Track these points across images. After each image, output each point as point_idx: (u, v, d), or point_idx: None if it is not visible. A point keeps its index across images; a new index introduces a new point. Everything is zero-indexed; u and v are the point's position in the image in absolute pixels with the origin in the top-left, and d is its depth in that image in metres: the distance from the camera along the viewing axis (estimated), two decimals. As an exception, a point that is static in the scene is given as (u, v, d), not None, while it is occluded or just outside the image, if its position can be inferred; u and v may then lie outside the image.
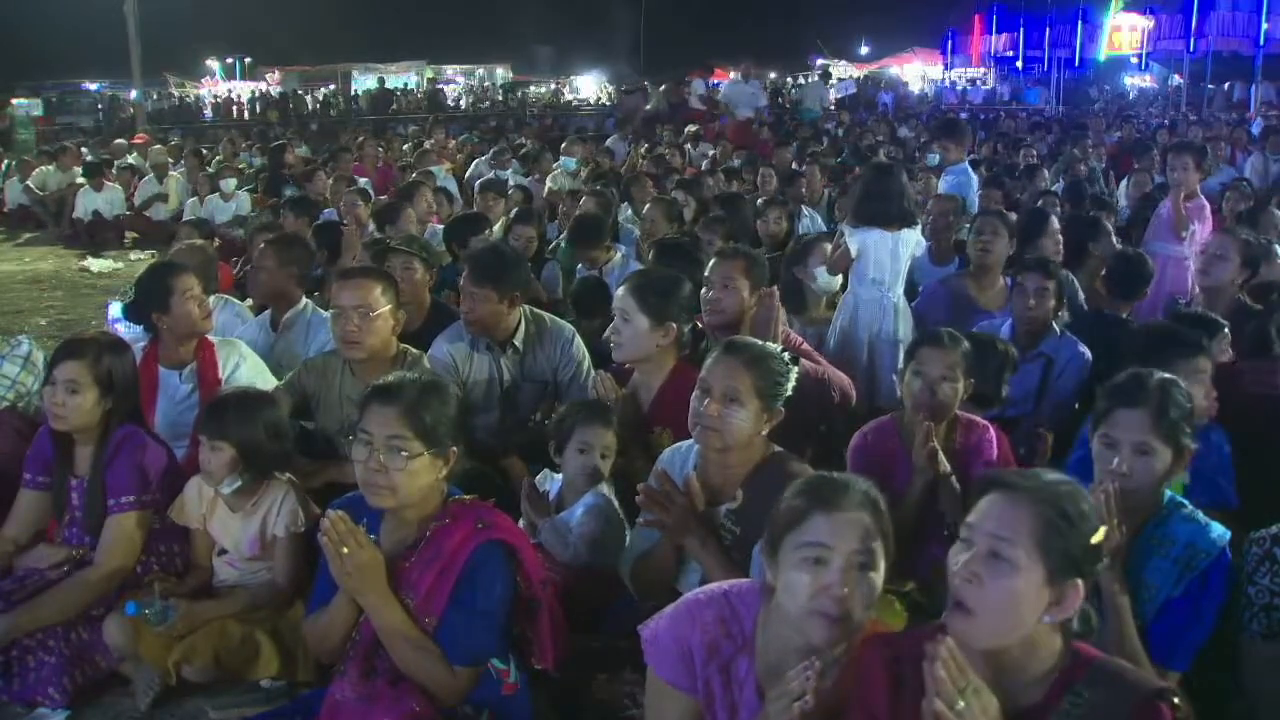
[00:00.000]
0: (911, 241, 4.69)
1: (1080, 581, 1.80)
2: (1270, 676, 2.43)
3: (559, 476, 3.40)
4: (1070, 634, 1.86)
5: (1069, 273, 4.83)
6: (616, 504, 3.24)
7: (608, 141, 13.76)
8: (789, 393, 2.75)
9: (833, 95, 23.50)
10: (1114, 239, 5.59)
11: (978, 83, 34.51)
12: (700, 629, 2.10)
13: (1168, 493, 2.58)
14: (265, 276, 4.71)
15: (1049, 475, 1.91)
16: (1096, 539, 1.82)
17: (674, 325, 3.43)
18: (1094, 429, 2.58)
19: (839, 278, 4.80)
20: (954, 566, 1.83)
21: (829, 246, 4.86)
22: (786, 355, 2.81)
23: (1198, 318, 3.76)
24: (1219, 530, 2.54)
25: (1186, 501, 2.63)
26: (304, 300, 4.73)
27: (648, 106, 17.55)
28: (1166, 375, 2.60)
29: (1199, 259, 4.73)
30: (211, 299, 4.28)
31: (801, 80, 30.42)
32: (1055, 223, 5.21)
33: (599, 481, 3.25)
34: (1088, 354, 4.06)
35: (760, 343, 2.86)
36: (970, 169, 7.17)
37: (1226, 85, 27.04)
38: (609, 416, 3.31)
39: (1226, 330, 3.73)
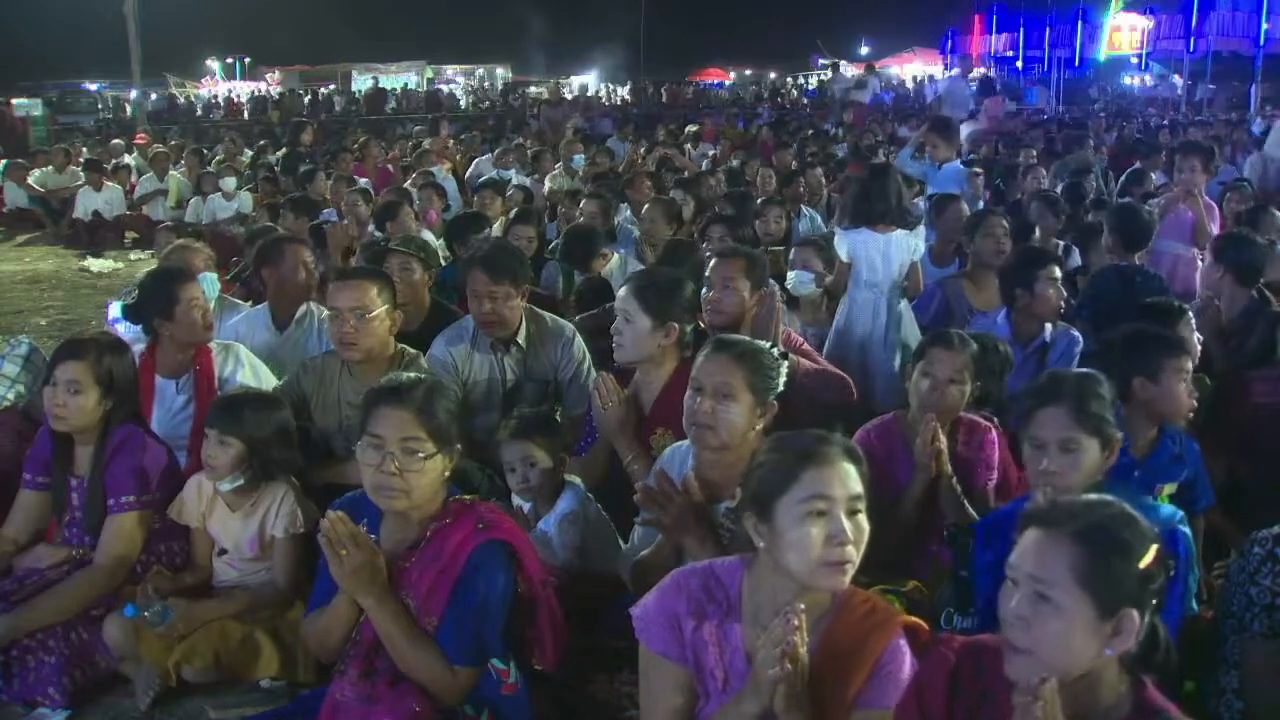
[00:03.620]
0: (908, 245, 4.67)
1: (1135, 611, 1.72)
2: (1270, 676, 2.43)
3: None
4: (1139, 676, 1.79)
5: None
6: (594, 503, 3.24)
7: (607, 141, 13.73)
8: (781, 386, 2.76)
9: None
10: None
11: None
12: (686, 596, 2.14)
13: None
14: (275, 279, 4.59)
15: (1089, 502, 1.84)
16: (1145, 563, 1.74)
17: (676, 326, 3.41)
18: (1021, 434, 2.59)
19: (813, 283, 4.77)
20: (1003, 611, 1.79)
21: (811, 250, 4.85)
22: (776, 349, 2.81)
23: (1161, 306, 3.78)
24: (1167, 510, 2.54)
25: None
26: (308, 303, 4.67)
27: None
28: (1085, 371, 2.61)
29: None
30: (213, 303, 4.24)
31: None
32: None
33: (547, 494, 3.21)
34: (1080, 338, 4.12)
35: (749, 338, 2.86)
36: (962, 168, 7.14)
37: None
38: (521, 428, 3.24)
39: (1190, 316, 3.74)
